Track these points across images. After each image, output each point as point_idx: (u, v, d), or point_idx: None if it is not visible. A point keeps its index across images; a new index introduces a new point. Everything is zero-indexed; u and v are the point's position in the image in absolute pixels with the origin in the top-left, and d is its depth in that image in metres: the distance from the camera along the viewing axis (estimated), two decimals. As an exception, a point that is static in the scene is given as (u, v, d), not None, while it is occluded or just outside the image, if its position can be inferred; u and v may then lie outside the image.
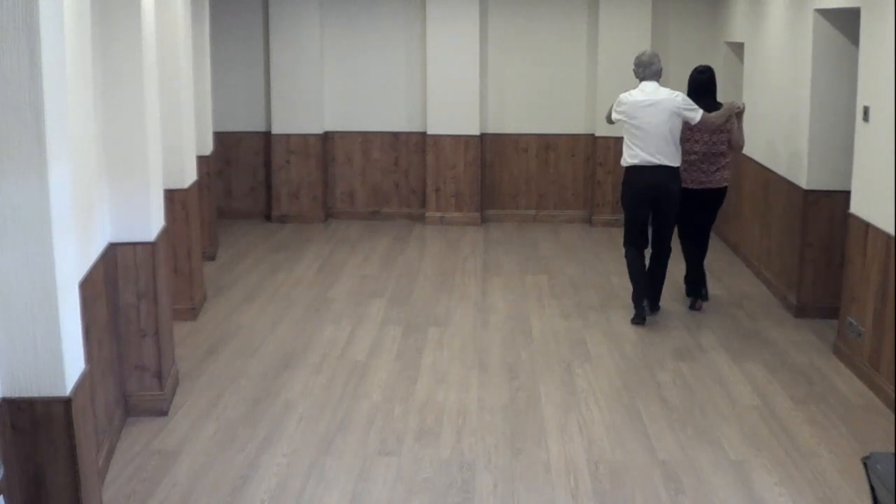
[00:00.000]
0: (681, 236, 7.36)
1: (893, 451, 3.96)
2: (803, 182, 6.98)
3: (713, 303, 7.44)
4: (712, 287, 7.74)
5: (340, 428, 5.16)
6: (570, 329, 6.84)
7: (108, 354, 4.91)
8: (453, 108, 10.13)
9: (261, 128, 10.47)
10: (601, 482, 4.57)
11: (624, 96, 6.89)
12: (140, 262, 5.16)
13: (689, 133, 6.99)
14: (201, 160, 7.86)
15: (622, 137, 6.97)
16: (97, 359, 4.57)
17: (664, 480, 4.59)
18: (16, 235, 3.03)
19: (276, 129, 10.27)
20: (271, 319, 7.01)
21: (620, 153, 7.06)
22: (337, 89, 10.38)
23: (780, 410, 5.43)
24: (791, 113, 7.33)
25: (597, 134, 10.12)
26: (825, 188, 6.88)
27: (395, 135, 10.43)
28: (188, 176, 6.95)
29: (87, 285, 4.33)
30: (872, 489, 3.35)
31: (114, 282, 5.10)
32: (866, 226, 5.86)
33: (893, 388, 5.36)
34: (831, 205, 6.83)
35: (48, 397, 3.16)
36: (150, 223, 5.17)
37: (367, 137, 10.45)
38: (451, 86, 10.10)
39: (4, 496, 3.05)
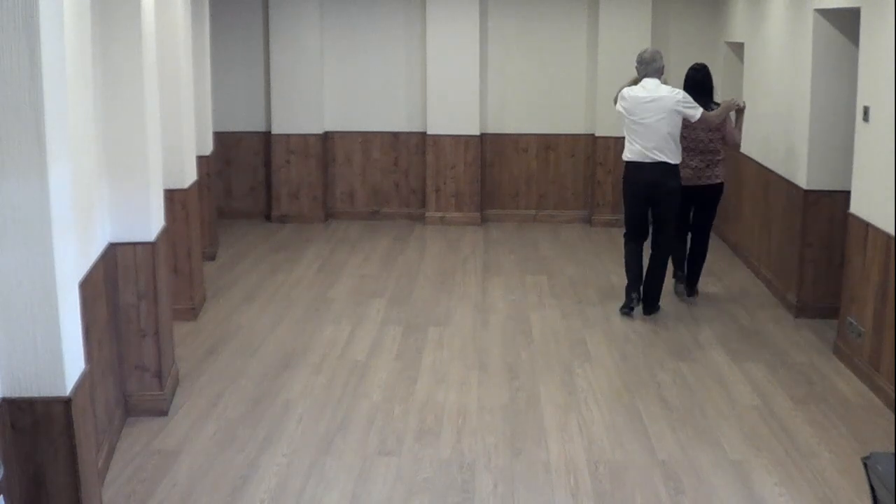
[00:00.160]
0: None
1: (893, 451, 3.97)
2: (803, 182, 6.98)
3: (713, 302, 7.44)
4: (712, 287, 7.75)
5: (340, 428, 5.16)
6: (570, 329, 6.84)
7: (108, 354, 4.91)
8: (453, 108, 10.13)
9: (261, 128, 10.47)
10: (601, 482, 4.57)
11: (626, 91, 6.99)
12: (140, 262, 5.16)
13: (683, 131, 7.03)
14: (201, 160, 7.86)
15: (622, 137, 7.08)
16: (97, 359, 4.57)
17: (664, 480, 4.59)
18: (16, 235, 3.03)
19: (276, 129, 10.27)
20: (271, 319, 7.01)
21: (620, 153, 7.17)
22: (337, 89, 10.38)
23: (780, 410, 5.43)
24: (791, 113, 7.33)
25: (597, 134, 10.13)
26: (825, 188, 6.88)
27: (395, 135, 10.43)
28: (188, 176, 6.95)
29: (87, 285, 4.33)
30: (872, 489, 3.35)
31: (114, 282, 5.10)
32: (866, 226, 5.86)
33: (893, 388, 5.36)
34: (831, 205, 6.83)
35: (48, 397, 3.16)
36: (150, 223, 5.17)
37: (367, 137, 10.45)
38: (451, 86, 10.09)
39: (4, 496, 3.05)
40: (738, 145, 7.45)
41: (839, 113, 6.77)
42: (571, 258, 8.89)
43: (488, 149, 10.37)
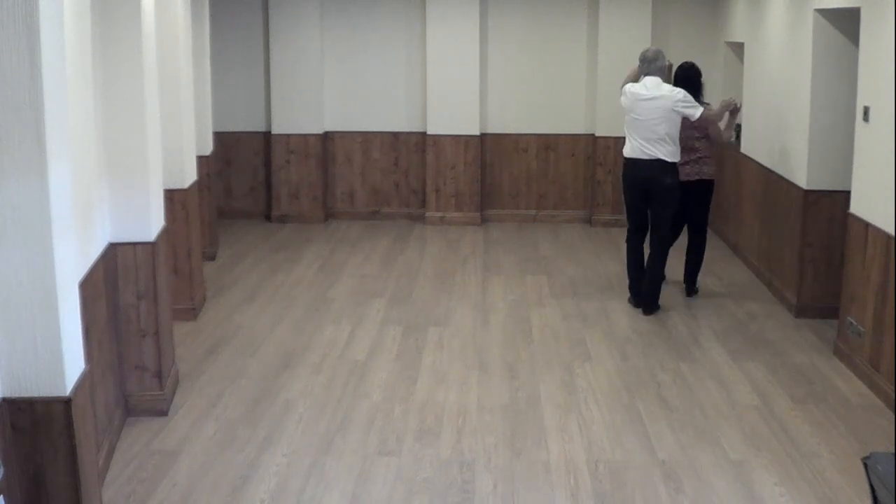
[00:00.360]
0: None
1: (893, 451, 3.97)
2: (803, 182, 6.98)
3: (713, 302, 7.44)
4: (712, 286, 7.75)
5: (340, 428, 5.16)
6: (570, 329, 6.84)
7: (108, 354, 4.91)
8: (453, 108, 10.13)
9: (261, 128, 10.47)
10: (601, 482, 4.57)
11: (628, 87, 7.10)
12: (140, 263, 5.16)
13: None
14: (201, 160, 7.86)
15: (622, 137, 7.16)
16: (97, 359, 4.58)
17: (664, 480, 4.59)
18: (16, 235, 3.03)
19: (276, 129, 10.27)
20: (271, 319, 7.01)
21: (620, 153, 7.23)
22: (337, 89, 10.38)
23: (780, 410, 5.43)
24: (791, 113, 7.33)
25: (597, 134, 10.13)
26: (825, 188, 6.89)
27: (395, 135, 10.43)
28: (188, 176, 6.95)
29: (87, 285, 4.33)
30: (872, 489, 3.36)
31: (114, 282, 5.10)
32: (866, 226, 5.86)
33: (893, 388, 5.36)
34: (831, 205, 6.83)
35: (48, 397, 3.16)
36: (150, 223, 5.17)
37: (367, 137, 10.45)
38: (451, 86, 10.09)
39: (4, 496, 3.05)
40: (723, 143, 7.54)
41: (839, 113, 6.77)
42: (571, 258, 8.89)
43: (488, 149, 10.37)
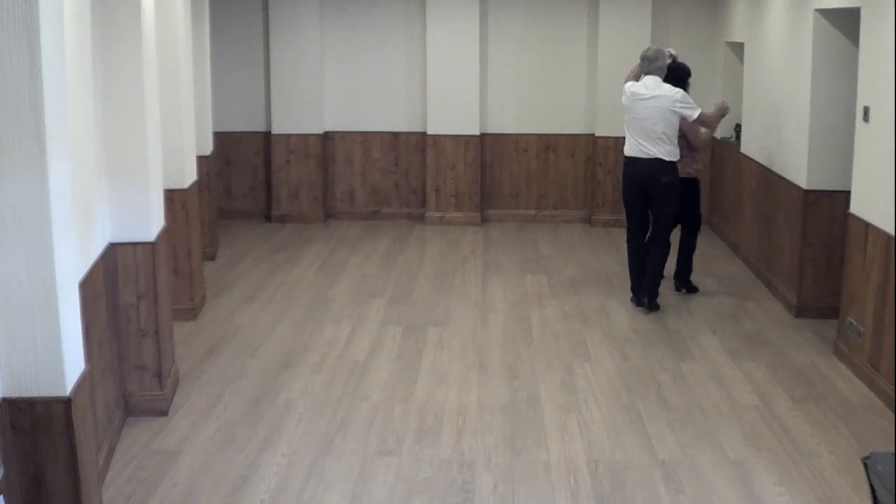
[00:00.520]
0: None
1: (893, 451, 3.97)
2: (803, 182, 6.98)
3: (713, 302, 7.45)
4: (712, 286, 7.75)
5: (340, 428, 5.16)
6: (570, 329, 6.85)
7: (108, 354, 4.91)
8: (453, 108, 10.13)
9: (261, 128, 10.47)
10: (601, 482, 4.57)
11: (628, 86, 7.15)
12: (140, 263, 5.16)
13: None
14: (201, 160, 7.86)
15: (622, 137, 7.20)
16: (97, 359, 4.58)
17: (664, 480, 4.59)
18: (16, 235, 3.03)
19: (276, 129, 10.27)
20: (271, 319, 7.01)
21: (620, 153, 7.24)
22: (337, 89, 10.37)
23: (780, 410, 5.43)
24: (791, 113, 7.33)
25: (597, 134, 10.13)
26: (825, 188, 6.89)
27: (395, 135, 10.43)
28: (188, 176, 6.95)
29: (87, 285, 4.33)
30: (872, 489, 3.36)
31: (114, 282, 5.10)
32: (866, 226, 5.86)
33: (893, 388, 5.36)
34: (831, 205, 6.83)
35: (48, 397, 3.16)
36: (150, 223, 5.17)
37: (367, 137, 10.44)
38: (451, 86, 10.09)
39: (4, 496, 3.05)
40: (704, 145, 7.60)
41: (839, 113, 6.78)
42: (571, 258, 8.89)
43: (488, 149, 10.37)
